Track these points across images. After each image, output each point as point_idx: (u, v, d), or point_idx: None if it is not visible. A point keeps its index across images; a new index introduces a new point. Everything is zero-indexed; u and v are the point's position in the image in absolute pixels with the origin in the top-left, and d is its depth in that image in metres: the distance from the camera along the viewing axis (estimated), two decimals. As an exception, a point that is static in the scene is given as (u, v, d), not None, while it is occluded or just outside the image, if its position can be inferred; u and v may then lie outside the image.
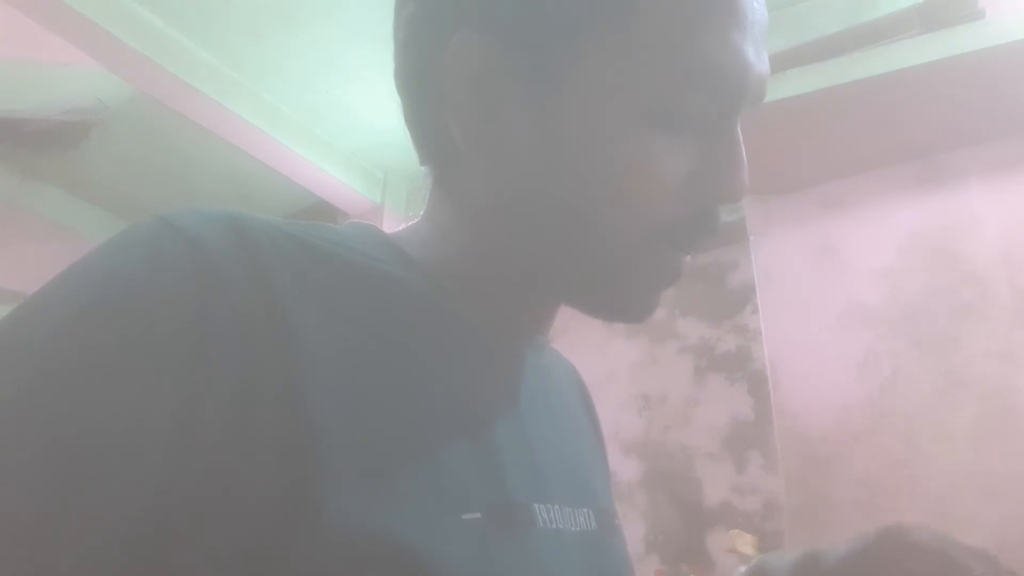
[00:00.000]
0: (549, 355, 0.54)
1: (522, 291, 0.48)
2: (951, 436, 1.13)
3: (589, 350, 1.85)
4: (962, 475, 1.09)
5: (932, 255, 1.24)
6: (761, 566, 0.50)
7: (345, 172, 2.05)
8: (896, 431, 1.16)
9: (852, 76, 1.14)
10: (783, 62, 1.21)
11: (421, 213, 0.50)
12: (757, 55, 0.42)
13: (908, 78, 1.11)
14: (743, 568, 0.51)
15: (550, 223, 0.43)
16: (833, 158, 1.31)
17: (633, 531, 1.65)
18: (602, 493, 0.52)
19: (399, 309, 0.42)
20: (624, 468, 1.72)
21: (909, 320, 1.22)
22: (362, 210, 2.15)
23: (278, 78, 1.80)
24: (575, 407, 0.58)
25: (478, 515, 0.38)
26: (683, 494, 1.64)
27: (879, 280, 1.26)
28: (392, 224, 2.07)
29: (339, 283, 0.40)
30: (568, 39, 0.41)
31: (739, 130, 0.43)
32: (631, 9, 0.40)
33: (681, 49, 0.39)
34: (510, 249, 0.45)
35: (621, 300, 0.45)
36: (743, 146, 0.43)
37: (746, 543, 1.30)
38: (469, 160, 0.45)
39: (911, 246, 1.26)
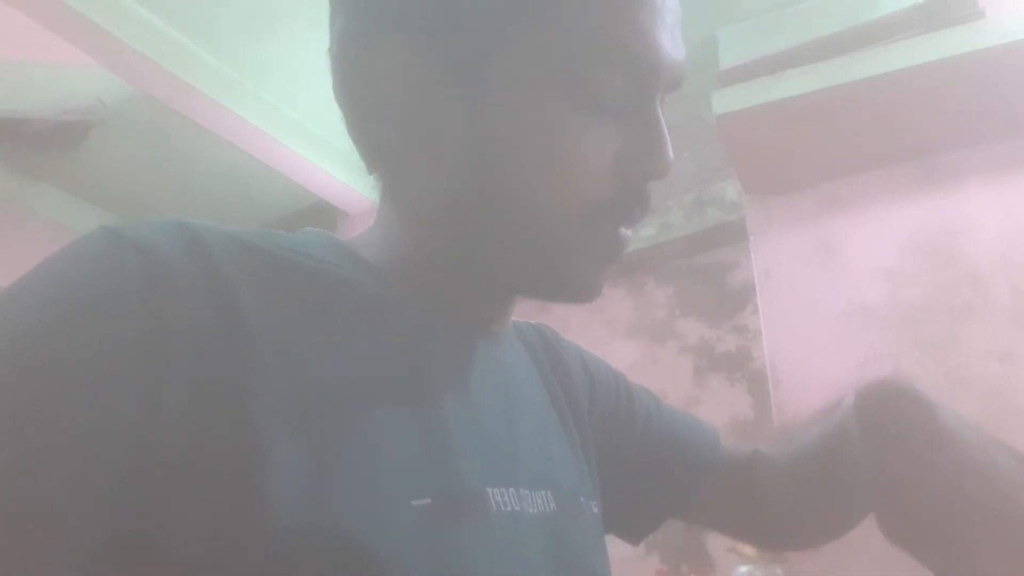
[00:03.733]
0: (508, 345, 0.55)
1: (470, 285, 0.49)
2: (951, 436, 1.13)
3: (589, 350, 1.85)
4: (962, 475, 1.09)
5: (932, 255, 1.24)
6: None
7: (345, 172, 2.05)
8: (896, 431, 1.16)
9: (852, 76, 1.14)
10: (783, 62, 1.21)
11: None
12: (671, 39, 0.44)
13: (908, 78, 1.11)
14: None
15: (490, 213, 0.45)
16: (833, 158, 1.31)
17: (633, 531, 1.65)
18: (565, 474, 0.53)
19: (347, 307, 0.43)
20: (624, 468, 1.72)
21: (909, 320, 1.21)
22: (362, 210, 2.15)
23: (278, 78, 1.79)
24: (536, 388, 0.57)
25: (428, 501, 0.38)
26: (683, 494, 1.64)
27: (879, 280, 1.26)
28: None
29: (289, 285, 0.41)
30: (488, 34, 0.43)
31: (659, 111, 0.45)
32: (545, 1, 0.42)
33: (595, 34, 0.42)
34: (455, 245, 0.47)
35: (569, 281, 0.46)
36: (664, 126, 0.45)
37: (746, 544, 1.30)
38: (410, 163, 0.47)
39: (911, 246, 1.26)
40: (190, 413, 0.34)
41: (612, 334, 1.85)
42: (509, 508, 0.43)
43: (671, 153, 0.44)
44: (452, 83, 0.44)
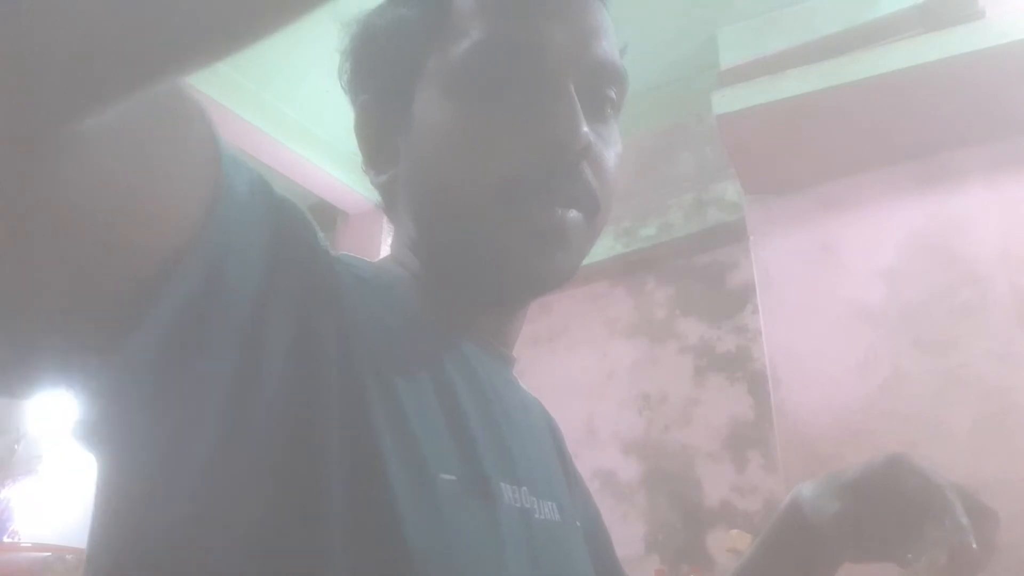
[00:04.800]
0: (517, 384, 0.58)
1: (455, 293, 0.52)
2: (951, 436, 1.13)
3: (589, 350, 1.85)
4: (961, 475, 1.08)
5: (932, 255, 1.24)
6: (796, 497, 0.60)
7: (345, 172, 2.05)
8: (896, 431, 1.16)
9: (852, 76, 1.14)
10: (783, 62, 1.21)
11: None
12: (565, 32, 0.48)
13: (908, 78, 1.12)
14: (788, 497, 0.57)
15: (426, 210, 0.51)
16: (833, 158, 1.31)
17: (633, 531, 1.64)
18: (565, 500, 0.55)
19: (396, 306, 0.49)
20: (624, 468, 1.72)
21: (909, 320, 1.22)
22: (362, 210, 2.15)
23: (278, 78, 1.79)
24: (542, 429, 0.61)
25: (453, 477, 0.41)
26: (683, 494, 1.64)
27: (879, 280, 1.26)
28: (391, 225, 2.06)
29: (361, 285, 0.47)
30: (406, 70, 0.51)
31: (569, 91, 0.47)
32: (446, 15, 0.50)
33: (480, 38, 0.48)
34: (427, 255, 0.53)
35: (517, 267, 0.47)
36: (571, 103, 0.47)
37: (746, 543, 1.30)
38: (393, 197, 0.55)
39: (911, 246, 1.26)
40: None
41: (612, 334, 1.85)
42: (519, 504, 0.46)
43: (581, 126, 0.46)
44: (397, 119, 0.51)
